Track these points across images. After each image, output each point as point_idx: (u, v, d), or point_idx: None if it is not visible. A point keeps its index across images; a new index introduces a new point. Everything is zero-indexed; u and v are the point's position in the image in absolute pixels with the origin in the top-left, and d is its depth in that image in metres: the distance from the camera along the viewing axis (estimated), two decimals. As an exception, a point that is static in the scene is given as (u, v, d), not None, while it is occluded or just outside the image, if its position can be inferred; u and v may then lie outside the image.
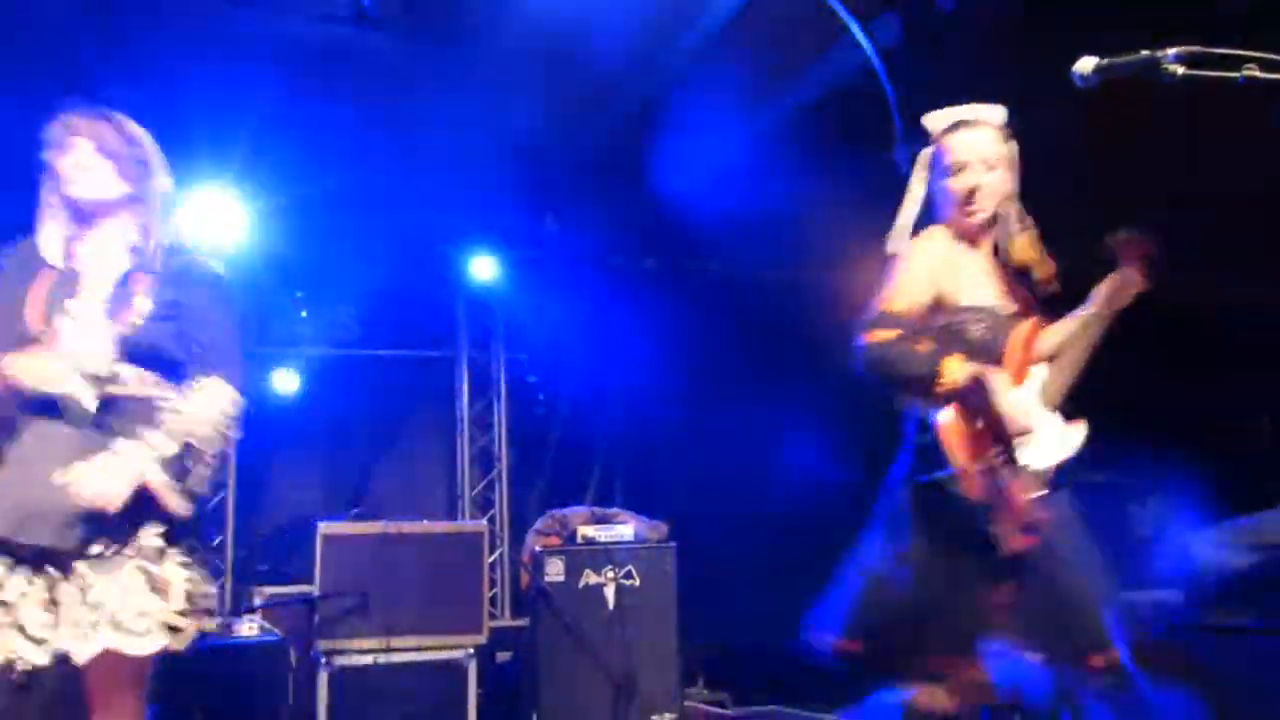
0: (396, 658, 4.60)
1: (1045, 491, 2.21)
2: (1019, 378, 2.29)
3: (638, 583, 4.82)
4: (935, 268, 2.31)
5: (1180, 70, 1.79)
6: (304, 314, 6.25)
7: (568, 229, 6.79)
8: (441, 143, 5.72)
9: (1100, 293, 2.36)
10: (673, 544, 4.98)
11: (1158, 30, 1.96)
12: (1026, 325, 2.34)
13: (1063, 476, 2.27)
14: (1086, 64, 1.90)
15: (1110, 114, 2.29)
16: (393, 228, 6.01)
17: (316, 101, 5.26)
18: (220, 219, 5.23)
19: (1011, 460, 2.20)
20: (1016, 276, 2.41)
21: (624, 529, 4.97)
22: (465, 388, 6.64)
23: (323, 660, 4.50)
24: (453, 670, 4.68)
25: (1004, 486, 2.17)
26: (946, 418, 2.20)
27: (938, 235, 2.37)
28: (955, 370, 2.16)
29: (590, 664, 4.64)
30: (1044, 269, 2.41)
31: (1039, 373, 2.33)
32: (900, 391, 2.29)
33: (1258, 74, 1.72)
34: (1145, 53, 1.84)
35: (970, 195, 2.33)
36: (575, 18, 5.03)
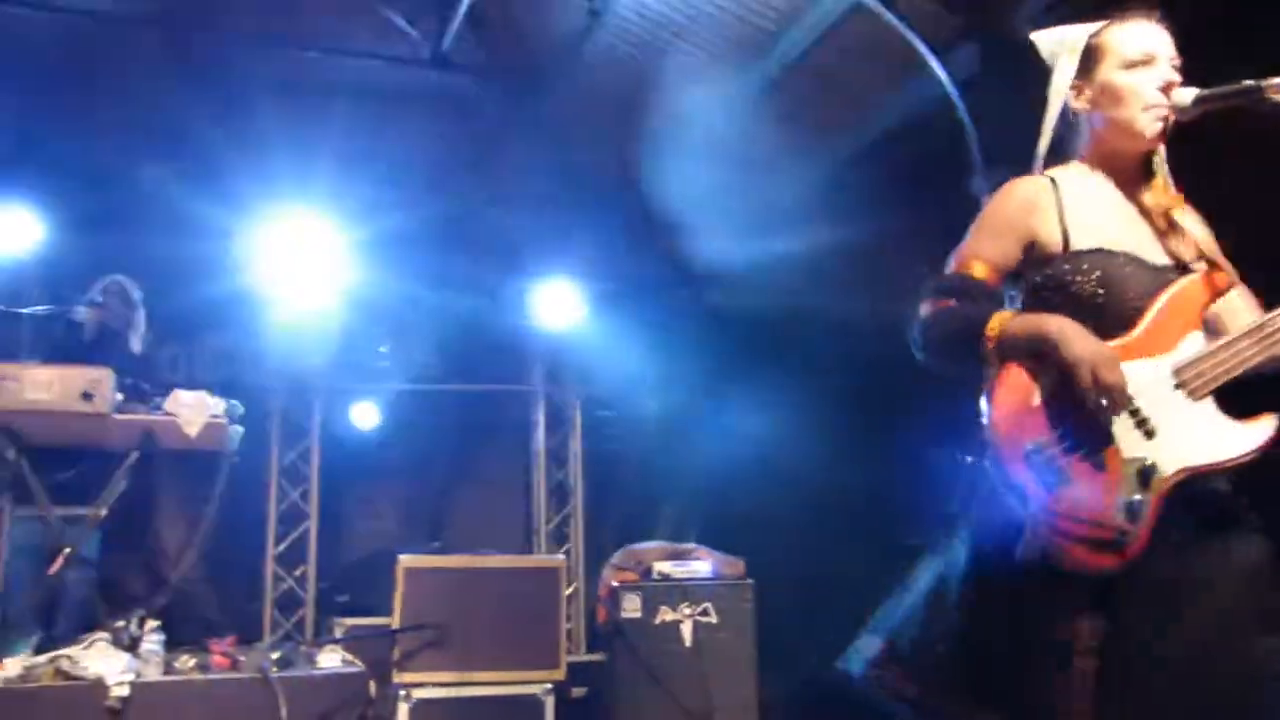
0: (474, 691, 4.61)
1: (1148, 499, 1.66)
2: (1157, 347, 1.75)
3: (715, 620, 4.77)
4: (1021, 212, 1.88)
5: (1291, 99, 1.72)
6: (384, 349, 6.37)
7: (642, 263, 6.84)
8: (514, 179, 5.83)
9: None
10: (750, 580, 4.92)
11: (1250, 63, 1.88)
12: (1190, 283, 1.80)
13: (1210, 494, 1.72)
14: (1185, 95, 1.83)
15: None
16: (470, 263, 6.12)
17: (400, 140, 5.42)
18: (306, 255, 5.37)
19: (1088, 446, 1.69)
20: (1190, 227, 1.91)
21: (700, 565, 4.93)
22: (541, 421, 6.69)
23: (402, 693, 4.53)
24: (529, 706, 4.67)
25: (1061, 478, 1.67)
26: (998, 386, 1.75)
27: (1038, 176, 1.94)
28: (1003, 321, 1.75)
29: (667, 702, 4.59)
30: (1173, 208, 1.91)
31: (1190, 345, 1.76)
32: (951, 370, 1.87)
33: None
34: (1249, 82, 1.78)
35: (1168, 90, 1.83)
36: (643, 61, 5.10)
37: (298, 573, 5.86)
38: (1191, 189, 1.98)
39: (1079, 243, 1.84)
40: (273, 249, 5.34)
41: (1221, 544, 1.69)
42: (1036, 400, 1.73)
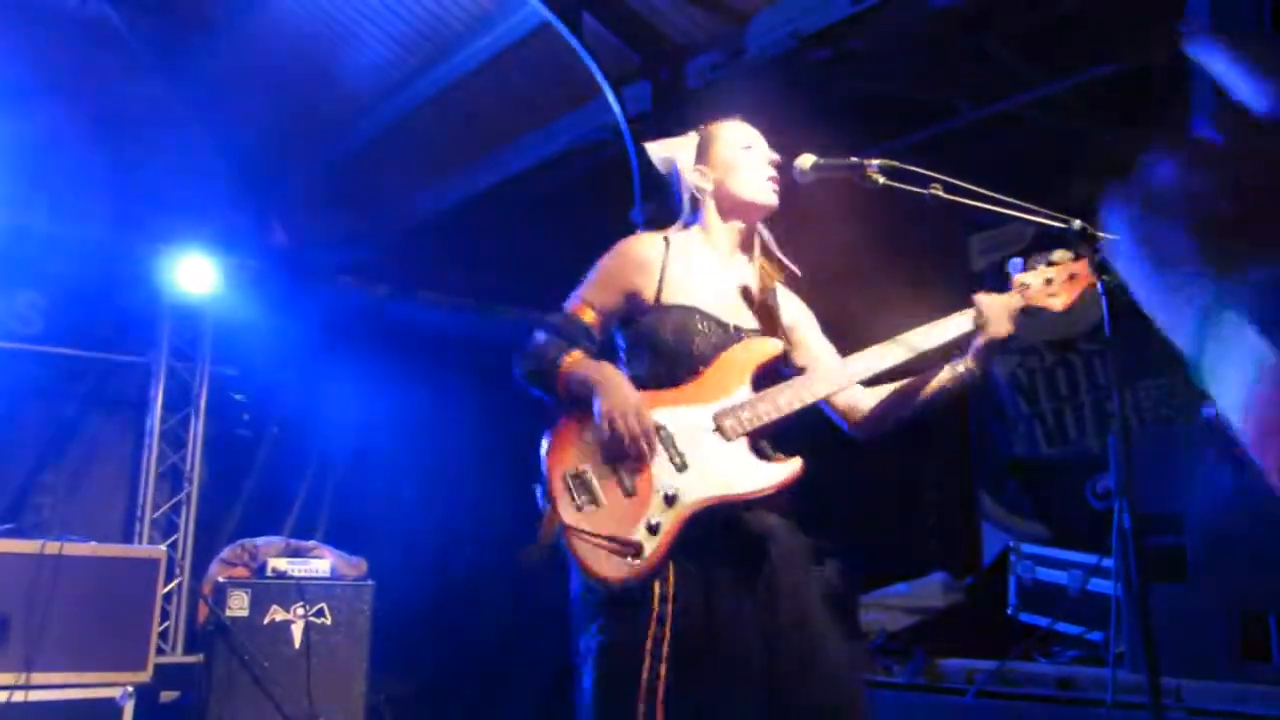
0: (36, 696, 4.07)
1: (669, 522, 1.86)
2: (706, 395, 1.99)
3: (329, 621, 4.57)
4: (629, 267, 2.08)
5: (881, 179, 1.99)
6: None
7: (297, 243, 6.48)
8: (162, 133, 5.30)
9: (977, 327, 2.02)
10: (370, 581, 4.78)
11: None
12: (744, 345, 2.05)
13: (745, 517, 1.95)
14: (805, 161, 2.09)
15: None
16: (93, 213, 5.45)
17: (17, 64, 4.72)
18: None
19: (621, 475, 1.90)
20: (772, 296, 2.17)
21: (320, 563, 4.71)
22: (159, 398, 6.07)
23: (-58, 696, 3.91)
24: (104, 711, 4.21)
25: (591, 500, 1.89)
26: (561, 422, 1.99)
27: (653, 235, 2.16)
28: (572, 363, 1.97)
29: (267, 706, 4.33)
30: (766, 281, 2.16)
31: (737, 396, 2.00)
32: (542, 396, 2.06)
33: (940, 193, 1.95)
34: (854, 159, 2.04)
35: (773, 165, 2.13)
36: (325, 33, 4.87)
37: None
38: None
39: (669, 298, 2.07)
40: None
41: (760, 563, 1.94)
42: (587, 435, 1.96)
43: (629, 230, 4.42)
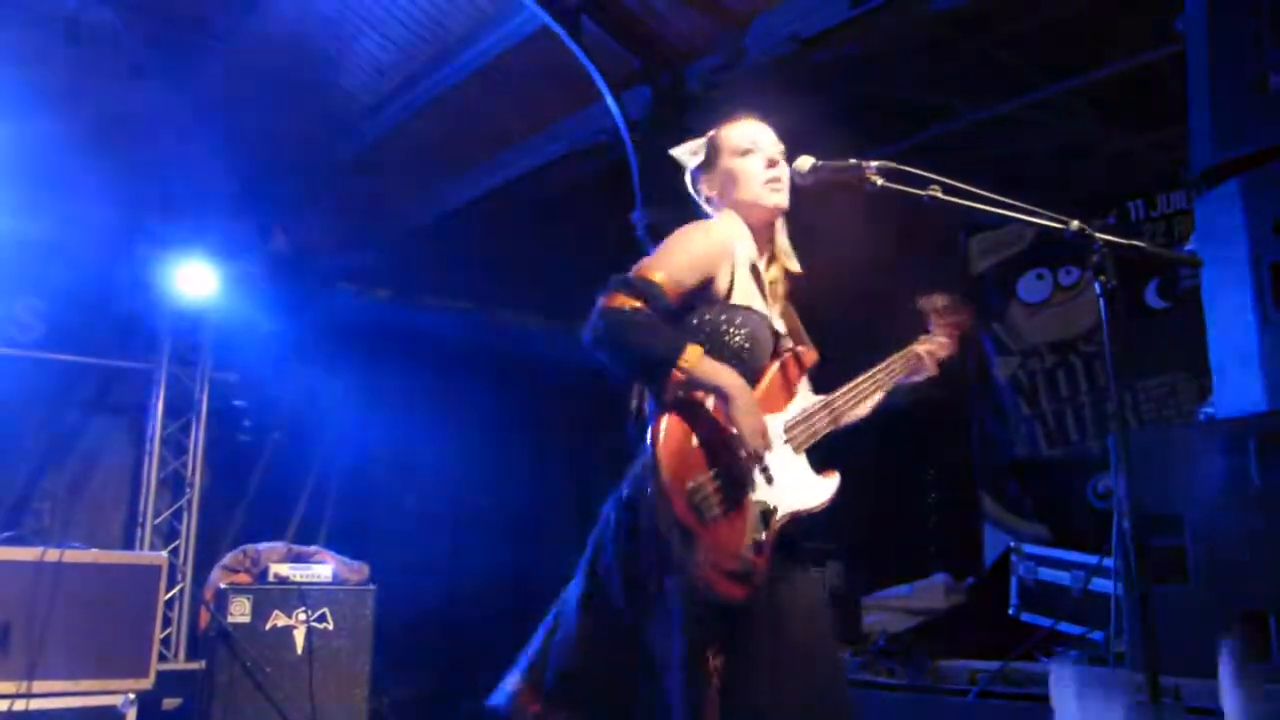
0: (38, 704, 4.07)
1: (767, 538, 1.87)
2: (771, 405, 1.99)
3: (331, 626, 4.57)
4: (716, 253, 2.04)
5: (879, 181, 1.99)
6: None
7: (299, 249, 6.48)
8: (163, 140, 5.31)
9: (912, 356, 2.24)
10: (372, 586, 4.78)
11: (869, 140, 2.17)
12: (795, 354, 2.09)
13: (799, 534, 1.97)
14: (804, 163, 2.09)
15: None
16: (94, 220, 5.46)
17: (15, 67, 4.72)
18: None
19: (733, 488, 1.86)
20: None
21: (322, 569, 4.71)
22: (160, 404, 6.08)
23: (-56, 704, 3.91)
24: (107, 719, 4.20)
25: (714, 515, 1.83)
26: (666, 422, 1.86)
27: (728, 219, 2.12)
28: (697, 359, 1.87)
29: (270, 712, 4.33)
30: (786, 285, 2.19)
31: (793, 407, 2.02)
32: (629, 372, 1.99)
33: (938, 195, 1.95)
34: (853, 161, 2.04)
35: (773, 166, 2.13)
36: (325, 38, 4.88)
37: None
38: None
39: (738, 298, 2.04)
40: None
41: (796, 572, 1.97)
42: (695, 442, 1.87)
43: (630, 234, 4.44)
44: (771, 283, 2.14)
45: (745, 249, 2.10)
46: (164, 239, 5.66)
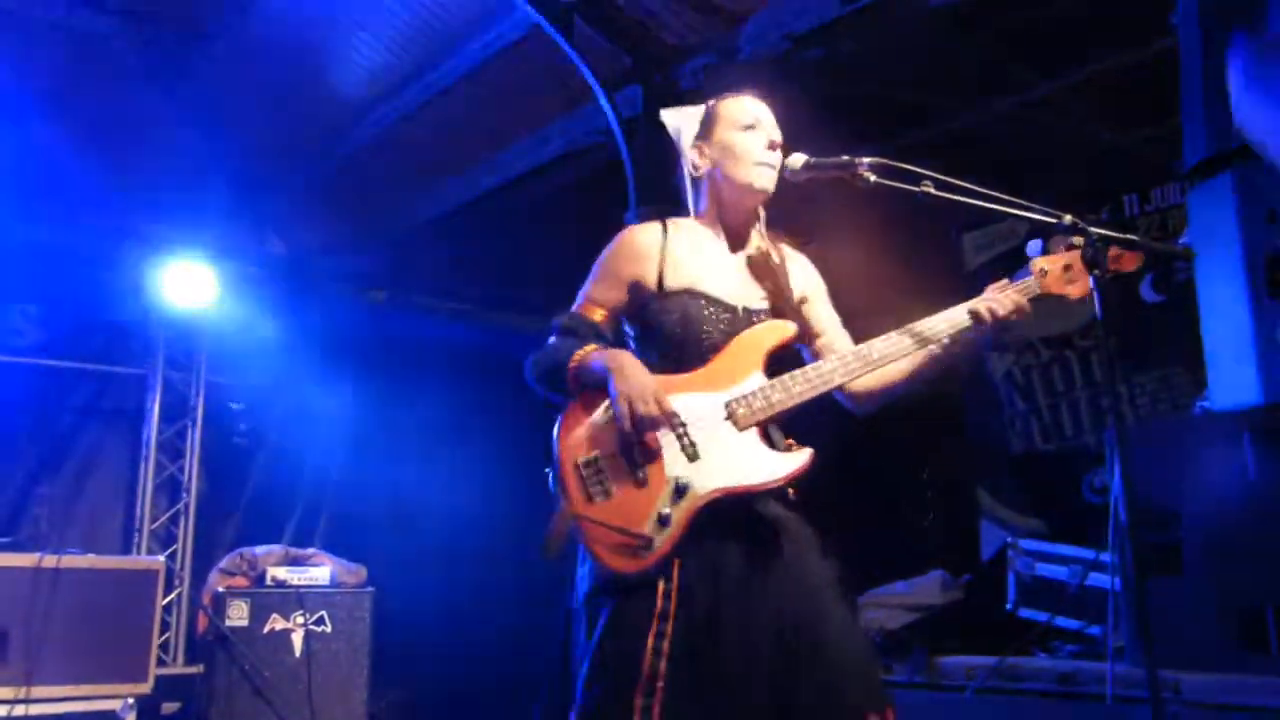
0: (37, 709, 4.07)
1: (678, 513, 1.84)
2: (721, 382, 1.96)
3: (329, 629, 4.57)
4: (630, 258, 2.05)
5: (872, 177, 1.99)
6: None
7: (294, 252, 6.48)
8: (156, 143, 5.30)
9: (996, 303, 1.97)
10: (370, 588, 4.78)
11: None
12: (758, 329, 2.02)
13: (746, 511, 1.90)
14: (796, 160, 2.07)
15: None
16: (88, 225, 5.45)
17: (17, 78, 4.71)
18: None
19: (632, 463, 1.87)
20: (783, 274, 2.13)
21: (319, 571, 4.71)
22: (156, 409, 6.07)
23: (-58, 711, 3.90)
24: (105, 722, 4.21)
25: (604, 489, 1.85)
26: (564, 413, 1.95)
27: (654, 225, 2.11)
28: (584, 354, 1.94)
29: (269, 715, 4.33)
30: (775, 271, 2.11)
31: (751, 383, 1.96)
32: (549, 395, 2.03)
33: (932, 191, 1.95)
34: (845, 157, 2.03)
35: (772, 149, 2.07)
36: (318, 40, 4.87)
37: None
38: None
39: (672, 284, 2.03)
40: None
41: (770, 553, 1.89)
42: (589, 423, 1.92)
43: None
44: (749, 260, 2.11)
45: (684, 234, 2.10)
46: (158, 242, 5.64)
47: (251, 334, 5.90)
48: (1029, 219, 1.96)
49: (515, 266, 5.62)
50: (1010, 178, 2.19)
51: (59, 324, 5.71)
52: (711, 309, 2.01)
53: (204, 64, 5.13)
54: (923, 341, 2.00)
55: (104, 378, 6.02)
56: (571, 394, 1.96)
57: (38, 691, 4.08)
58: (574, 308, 2.08)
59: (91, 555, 4.62)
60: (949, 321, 2.01)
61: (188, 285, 5.66)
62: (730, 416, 1.92)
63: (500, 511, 5.42)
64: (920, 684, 3.45)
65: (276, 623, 4.47)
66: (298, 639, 4.49)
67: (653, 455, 1.88)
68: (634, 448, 1.88)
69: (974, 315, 1.98)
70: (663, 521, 1.83)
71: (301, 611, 4.52)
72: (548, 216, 5.44)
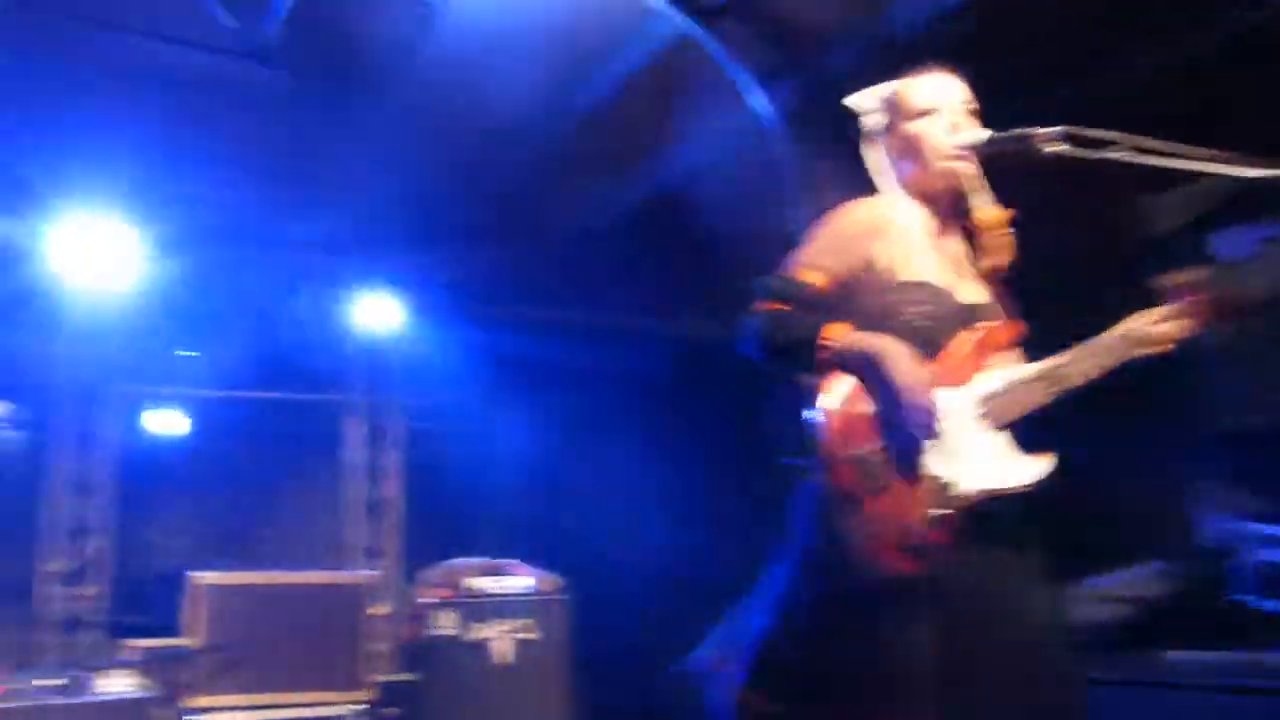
0: (275, 715, 4.40)
1: (946, 515, 1.77)
2: (957, 378, 1.87)
3: (530, 636, 4.73)
4: (865, 233, 1.96)
5: (1060, 147, 1.87)
6: (190, 353, 6.02)
7: (472, 275, 6.75)
8: (339, 184, 5.63)
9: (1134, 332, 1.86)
10: (567, 596, 4.91)
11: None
12: (992, 322, 1.94)
13: (1004, 515, 1.82)
14: (976, 136, 1.96)
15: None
16: (287, 267, 5.87)
17: (208, 137, 5.12)
18: (108, 254, 5.03)
19: (903, 458, 1.79)
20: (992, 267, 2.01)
21: (517, 581, 4.88)
22: (358, 433, 6.46)
23: (195, 718, 4.26)
24: (334, 728, 4.50)
25: (881, 485, 1.78)
26: (827, 396, 1.86)
27: (883, 200, 2.02)
28: (841, 332, 1.82)
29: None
30: (1000, 251, 1.98)
31: (989, 380, 1.88)
32: (782, 369, 1.95)
33: (1126, 154, 1.80)
34: (1026, 129, 1.91)
35: (956, 130, 1.97)
36: (477, 69, 5.05)
37: (88, 592, 5.42)
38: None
39: (910, 274, 1.93)
40: (67, 244, 4.96)
41: (1013, 552, 1.84)
42: (866, 410, 1.82)
43: (785, 237, 4.39)
44: (965, 252, 2.01)
45: (912, 221, 1.99)
46: (348, 275, 6.04)
47: (438, 356, 6.20)
48: (1237, 176, 1.79)
49: (679, 273, 5.64)
50: (1204, 131, 2.00)
51: (266, 360, 6.17)
52: (948, 304, 1.92)
53: (376, 108, 5.42)
54: (1141, 344, 1.86)
55: (308, 406, 6.46)
56: (816, 371, 1.86)
57: (270, 699, 4.41)
58: (795, 271, 1.95)
59: (309, 572, 4.96)
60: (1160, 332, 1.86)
61: (377, 314, 6.03)
62: (985, 415, 1.85)
63: (688, 507, 5.45)
64: (1144, 682, 3.24)
65: (480, 631, 4.66)
66: (501, 646, 4.67)
67: (921, 452, 1.80)
68: (901, 443, 1.79)
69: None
70: (934, 523, 1.76)
71: (503, 620, 4.69)
72: (709, 221, 5.43)
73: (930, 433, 1.77)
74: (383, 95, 5.33)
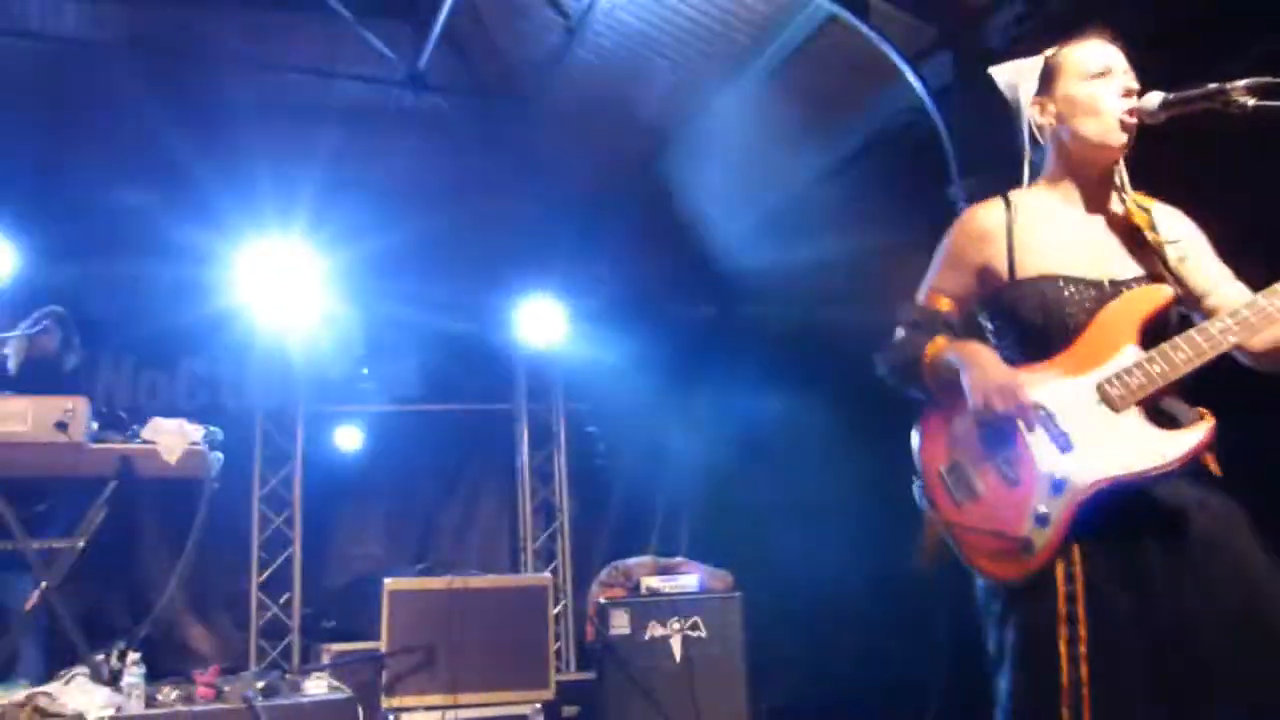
0: (464, 714, 4.58)
1: (1058, 510, 1.70)
2: (1082, 365, 1.80)
3: (704, 634, 4.74)
4: (974, 242, 1.94)
5: (1252, 101, 1.73)
6: (366, 371, 6.35)
7: (625, 279, 6.84)
8: (495, 199, 5.82)
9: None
10: (739, 593, 4.90)
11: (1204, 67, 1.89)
12: (1126, 299, 1.83)
13: (1161, 495, 1.71)
14: (1153, 99, 1.85)
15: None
16: (451, 283, 6.11)
17: (380, 162, 5.39)
18: (289, 278, 5.37)
19: (998, 463, 1.77)
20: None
21: (688, 579, 4.91)
22: (525, 439, 6.66)
23: (391, 717, 4.49)
24: (518, 726, 4.65)
25: (970, 495, 1.79)
26: (922, 417, 1.93)
27: (995, 203, 1.97)
28: (937, 348, 1.88)
29: (658, 718, 4.56)
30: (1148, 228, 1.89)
31: (1124, 359, 1.77)
32: (906, 390, 1.97)
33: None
34: (1214, 85, 1.79)
35: (1128, 96, 1.86)
36: (622, 77, 5.10)
37: (283, 600, 5.81)
38: (1169, 189, 1.99)
39: (1023, 270, 1.90)
40: (254, 272, 5.33)
41: (1194, 541, 1.69)
42: (957, 422, 1.86)
43: (948, 210, 4.23)
44: (1109, 223, 1.92)
45: (1039, 210, 1.94)
46: (512, 292, 6.24)
47: (600, 361, 6.32)
48: None
49: (849, 261, 5.52)
50: None
51: (438, 373, 6.44)
52: (1073, 288, 1.85)
53: (528, 124, 5.57)
54: None
55: (479, 415, 6.70)
56: (928, 390, 1.91)
57: (463, 699, 4.59)
58: (919, 298, 2.02)
59: (490, 575, 5.14)
60: None
61: (541, 323, 6.20)
62: (1105, 399, 1.76)
63: (858, 503, 5.33)
64: None
65: (655, 629, 4.72)
66: (676, 644, 4.70)
67: (1020, 451, 1.77)
68: (999, 446, 1.79)
69: None
70: (1040, 520, 1.72)
71: (677, 618, 4.73)
72: (869, 203, 5.30)
73: (1016, 431, 1.76)
74: (537, 115, 5.48)
